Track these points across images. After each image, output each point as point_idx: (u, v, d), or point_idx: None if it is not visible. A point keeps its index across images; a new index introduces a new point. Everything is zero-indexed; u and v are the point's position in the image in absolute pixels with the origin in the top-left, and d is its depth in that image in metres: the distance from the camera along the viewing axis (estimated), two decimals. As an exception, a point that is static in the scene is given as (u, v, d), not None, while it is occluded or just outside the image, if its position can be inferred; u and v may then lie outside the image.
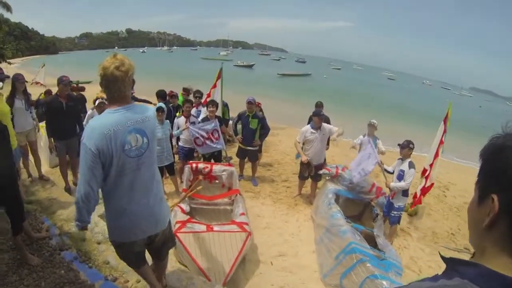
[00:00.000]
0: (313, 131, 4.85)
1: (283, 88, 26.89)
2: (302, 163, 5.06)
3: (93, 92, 7.41)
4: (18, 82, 4.42)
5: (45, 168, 5.36)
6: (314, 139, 4.86)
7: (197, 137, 5.16)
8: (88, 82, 18.77)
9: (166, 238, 2.17)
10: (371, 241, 3.62)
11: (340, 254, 3.35)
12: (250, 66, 53.30)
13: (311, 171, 5.00)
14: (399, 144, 4.36)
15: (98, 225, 3.47)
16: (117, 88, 1.68)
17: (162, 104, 4.82)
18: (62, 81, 4.40)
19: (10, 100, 4.29)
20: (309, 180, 5.31)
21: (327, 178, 4.79)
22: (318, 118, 4.85)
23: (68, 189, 4.75)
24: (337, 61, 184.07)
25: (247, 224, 3.62)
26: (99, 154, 1.62)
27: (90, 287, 2.65)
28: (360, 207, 4.74)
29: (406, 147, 4.22)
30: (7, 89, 4.29)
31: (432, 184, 4.90)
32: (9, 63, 27.64)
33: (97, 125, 1.66)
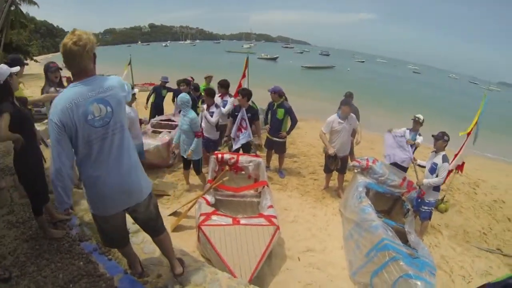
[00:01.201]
0: (341, 121, 4.87)
1: (306, 80, 27.66)
2: (328, 156, 5.04)
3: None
4: (49, 72, 4.28)
5: None
6: (341, 129, 4.88)
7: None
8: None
9: (151, 216, 2.23)
10: (402, 237, 3.57)
11: (371, 251, 3.31)
12: (274, 59, 55.24)
13: (337, 164, 5.01)
14: (433, 135, 4.36)
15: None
16: (76, 63, 1.75)
17: (184, 95, 4.77)
18: (50, 68, 4.26)
19: (44, 92, 4.22)
20: (336, 172, 5.33)
21: (356, 171, 4.77)
22: (347, 107, 4.85)
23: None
24: (360, 54, 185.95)
25: (275, 217, 3.54)
26: (64, 127, 1.73)
27: (108, 280, 2.60)
28: (390, 201, 4.71)
29: (441, 139, 4.21)
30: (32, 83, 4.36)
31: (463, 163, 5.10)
32: (35, 61, 29.34)
33: (59, 100, 1.76)
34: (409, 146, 4.74)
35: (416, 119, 5.11)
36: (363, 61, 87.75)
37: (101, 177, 1.89)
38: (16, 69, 3.00)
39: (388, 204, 4.74)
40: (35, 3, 24.53)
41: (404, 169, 4.90)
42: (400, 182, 4.46)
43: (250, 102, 5.41)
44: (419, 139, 5.05)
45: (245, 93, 5.38)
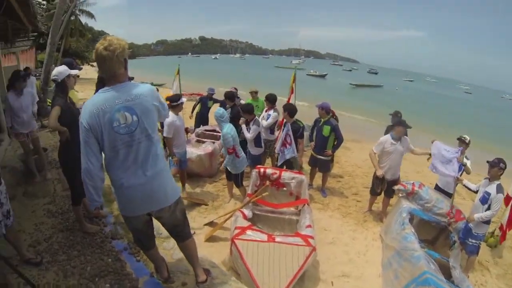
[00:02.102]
0: (393, 142, 4.82)
1: (355, 98, 27.89)
2: (376, 177, 4.99)
3: (164, 95, 8.15)
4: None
5: None
6: (393, 151, 4.83)
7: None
8: (161, 85, 21.51)
9: (176, 221, 2.32)
10: (446, 272, 3.42)
11: (411, 283, 3.20)
12: (323, 76, 56.69)
13: (384, 187, 4.96)
14: (488, 162, 4.15)
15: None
16: (107, 67, 1.87)
17: (218, 109, 4.90)
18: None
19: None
20: (381, 195, 5.24)
21: (400, 195, 4.61)
22: (402, 127, 4.79)
23: None
24: (408, 72, 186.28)
25: (312, 238, 3.49)
26: (91, 130, 1.87)
27: (133, 281, 2.68)
28: (436, 231, 4.53)
29: (496, 166, 4.00)
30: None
31: None
32: (92, 65, 32.86)
33: (88, 104, 1.91)
34: (457, 164, 4.42)
35: (462, 138, 4.88)
36: (411, 80, 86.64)
37: (125, 181, 2.00)
38: (75, 71, 3.35)
39: (433, 233, 4.55)
40: (92, 16, 27.56)
41: (449, 195, 4.62)
42: (447, 211, 4.26)
43: (294, 118, 5.45)
44: (468, 164, 4.76)
45: (287, 108, 5.44)
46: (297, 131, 5.39)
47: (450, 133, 13.49)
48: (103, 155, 2.00)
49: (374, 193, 5.20)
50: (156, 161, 2.06)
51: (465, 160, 4.75)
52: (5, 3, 4.26)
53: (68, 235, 3.25)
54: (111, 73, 1.89)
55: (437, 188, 4.85)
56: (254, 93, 7.16)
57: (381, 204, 5.36)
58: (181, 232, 2.42)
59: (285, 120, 5.57)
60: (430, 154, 4.71)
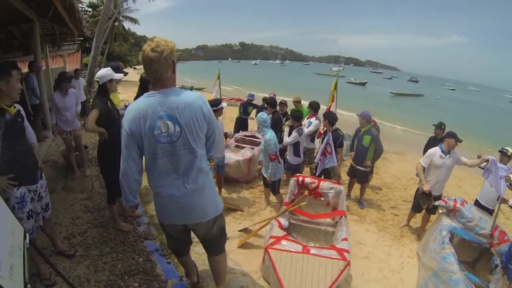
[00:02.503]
0: (443, 155, 4.62)
1: (395, 108, 27.17)
2: (422, 193, 4.75)
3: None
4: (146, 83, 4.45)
5: None
6: (441, 164, 4.62)
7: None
8: (201, 89, 22.17)
9: (211, 236, 2.26)
10: None
11: None
12: (363, 84, 56.47)
13: (430, 204, 4.71)
14: None
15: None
16: (153, 70, 1.80)
17: (262, 114, 4.88)
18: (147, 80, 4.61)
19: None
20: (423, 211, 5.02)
21: (440, 211, 4.45)
22: (453, 140, 4.53)
23: None
24: (450, 80, 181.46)
25: (348, 252, 3.39)
26: (132, 135, 1.86)
27: (162, 283, 2.71)
28: (477, 252, 4.28)
29: None
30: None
31: None
32: (134, 68, 34.96)
33: (131, 109, 1.89)
34: (504, 183, 4.17)
35: (504, 151, 4.67)
36: (453, 89, 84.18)
37: (163, 190, 1.98)
38: (119, 76, 3.42)
39: (474, 255, 4.31)
40: (135, 21, 28.97)
41: (490, 212, 4.37)
42: (491, 231, 3.99)
43: (334, 127, 5.38)
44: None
45: (327, 116, 5.38)
46: (337, 140, 5.35)
47: (493, 144, 12.74)
48: (144, 158, 2.00)
49: (416, 209, 5.00)
50: (199, 175, 1.99)
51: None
52: (53, 9, 4.55)
53: (102, 232, 3.36)
54: (158, 76, 1.83)
55: (477, 204, 4.60)
56: (297, 102, 7.13)
57: (419, 219, 5.18)
58: (214, 247, 2.38)
59: (325, 129, 5.51)
60: (487, 161, 4.39)
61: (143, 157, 1.98)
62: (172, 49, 1.82)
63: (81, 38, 10.09)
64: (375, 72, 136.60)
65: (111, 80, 3.24)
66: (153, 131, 1.83)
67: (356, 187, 6.01)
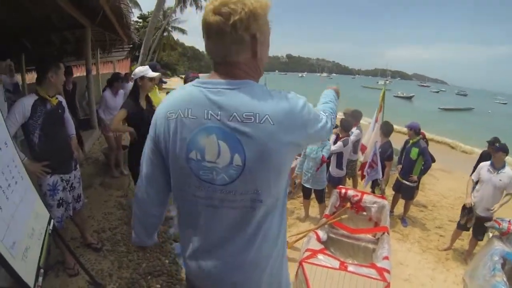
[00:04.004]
0: (491, 170, 4.35)
1: (444, 123, 25.86)
2: (463, 207, 4.62)
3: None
4: (188, 80, 4.36)
5: None
6: (487, 180, 4.34)
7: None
8: None
9: None
10: None
11: None
12: (409, 98, 55.61)
13: (470, 220, 4.51)
14: None
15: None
16: (212, 45, 1.00)
17: None
18: (189, 78, 4.57)
19: None
20: (469, 233, 4.74)
21: (491, 234, 4.17)
22: (502, 153, 4.24)
23: None
24: (502, 94, 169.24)
25: (388, 272, 3.21)
26: (157, 141, 1.09)
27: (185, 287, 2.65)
28: None
29: None
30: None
31: None
32: (181, 77, 36.87)
33: (166, 101, 1.10)
34: None
35: None
36: (505, 103, 79.67)
37: (191, 249, 1.14)
38: (153, 74, 3.36)
39: None
40: (184, 31, 30.36)
41: None
42: None
43: (387, 138, 5.33)
44: None
45: (382, 127, 5.35)
46: (386, 151, 5.24)
47: None
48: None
49: (460, 226, 4.72)
50: (263, 245, 1.08)
51: None
52: (102, 13, 4.80)
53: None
54: (221, 57, 1.01)
55: None
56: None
57: (467, 241, 4.87)
58: None
59: (375, 140, 5.44)
60: None
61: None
62: (253, 11, 0.95)
63: (130, 46, 10.65)
64: (422, 85, 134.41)
65: (142, 78, 3.19)
66: (189, 153, 1.00)
67: (400, 203, 5.79)
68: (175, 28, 29.29)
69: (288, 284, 1.29)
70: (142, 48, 9.77)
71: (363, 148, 5.93)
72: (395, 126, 5.71)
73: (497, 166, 4.29)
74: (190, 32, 31.04)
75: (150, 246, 1.44)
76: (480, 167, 4.49)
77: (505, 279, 3.41)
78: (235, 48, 0.98)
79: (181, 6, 23.84)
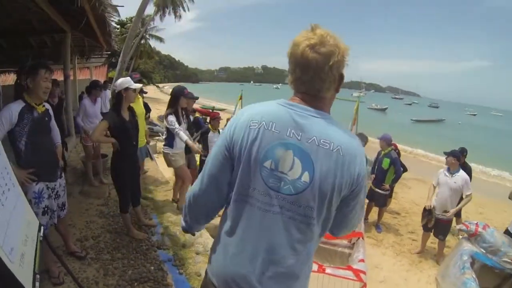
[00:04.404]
0: (446, 174, 4.81)
1: (416, 134, 27.62)
2: (423, 209, 5.01)
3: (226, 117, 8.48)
4: (182, 96, 4.19)
5: (168, 175, 6.26)
6: (444, 183, 4.77)
7: None
8: (222, 110, 22.69)
9: None
10: None
11: None
12: (383, 110, 57.96)
13: (430, 221, 4.87)
14: None
15: (202, 236, 3.65)
16: (309, 79, 1.11)
17: None
18: (186, 94, 4.36)
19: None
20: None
21: (460, 236, 4.51)
22: (452, 158, 4.69)
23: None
24: (473, 106, 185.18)
25: (364, 273, 3.40)
26: (232, 145, 1.17)
27: (172, 292, 2.65)
28: (499, 278, 4.22)
29: None
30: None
31: None
32: (157, 86, 36.23)
33: (249, 111, 1.20)
34: None
35: None
36: (475, 114, 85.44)
37: (237, 255, 1.19)
38: (137, 85, 3.40)
39: (496, 281, 4.23)
40: (161, 40, 30.26)
41: None
42: None
43: None
44: None
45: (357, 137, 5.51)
46: None
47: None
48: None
49: (425, 228, 5.07)
50: (301, 264, 1.18)
51: None
52: (85, 20, 4.77)
53: (115, 237, 3.36)
54: (314, 91, 1.13)
55: (508, 233, 4.48)
56: None
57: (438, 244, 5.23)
58: None
59: None
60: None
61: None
62: (345, 54, 1.10)
63: (108, 52, 10.50)
64: (396, 98, 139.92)
65: (126, 89, 3.21)
66: (264, 161, 1.12)
67: (374, 211, 6.06)
68: (152, 36, 29.09)
69: None
70: (121, 55, 9.66)
71: None
72: (369, 138, 5.95)
73: (452, 170, 4.72)
74: (167, 41, 31.18)
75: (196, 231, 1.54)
76: (439, 172, 4.89)
77: (474, 276, 3.64)
78: (327, 85, 1.12)
79: (160, 15, 23.71)
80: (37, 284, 1.57)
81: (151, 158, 6.70)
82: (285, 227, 1.13)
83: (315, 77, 1.10)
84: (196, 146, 4.25)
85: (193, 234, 1.58)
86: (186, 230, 1.49)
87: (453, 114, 73.54)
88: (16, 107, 2.25)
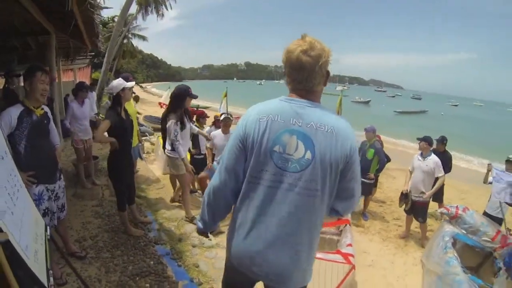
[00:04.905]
0: (420, 158, 5.08)
1: (399, 125, 28.20)
2: (401, 193, 5.27)
3: (213, 115, 8.53)
4: (189, 96, 4.18)
5: (158, 173, 6.41)
6: (417, 167, 5.05)
7: None
8: (206, 108, 22.55)
9: None
10: None
11: None
12: (367, 103, 58.85)
13: (407, 204, 5.14)
14: None
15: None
16: (302, 78, 1.39)
17: None
18: (191, 94, 4.28)
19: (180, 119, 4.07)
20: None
21: (443, 219, 4.66)
22: (424, 143, 4.99)
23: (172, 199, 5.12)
24: (455, 97, 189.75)
25: (352, 256, 3.56)
26: (245, 138, 1.42)
27: (173, 283, 2.76)
28: (480, 257, 4.43)
29: None
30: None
31: None
32: (141, 86, 35.61)
33: (253, 110, 1.47)
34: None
35: (511, 160, 5.01)
36: (456, 105, 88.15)
37: (250, 229, 1.44)
38: (131, 84, 3.56)
39: (477, 260, 4.45)
40: (144, 38, 29.85)
41: (499, 221, 4.56)
42: (493, 236, 4.15)
43: None
44: None
45: None
46: None
47: (490, 157, 13.32)
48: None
49: (406, 212, 5.32)
50: (308, 233, 1.43)
51: None
52: (74, 22, 4.75)
53: (113, 236, 3.43)
54: (307, 88, 1.41)
55: (486, 214, 4.80)
56: None
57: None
58: None
59: None
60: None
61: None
62: (329, 55, 1.40)
63: (93, 53, 10.38)
64: (379, 90, 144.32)
65: (123, 89, 3.35)
66: (273, 146, 1.37)
67: (361, 200, 6.14)
68: (135, 35, 28.65)
69: (311, 274, 1.56)
70: (105, 56, 9.57)
71: None
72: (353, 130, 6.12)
73: (424, 154, 5.00)
74: (150, 40, 30.69)
75: (213, 231, 1.77)
76: (413, 158, 5.17)
77: (456, 254, 3.79)
78: (318, 80, 1.41)
79: (142, 13, 23.37)
80: (51, 279, 1.64)
81: (141, 158, 6.74)
82: (293, 201, 1.37)
83: (309, 76, 1.38)
84: (190, 167, 4.20)
85: (207, 237, 1.83)
86: (202, 231, 1.68)
87: (435, 105, 74.49)
88: (15, 111, 2.30)
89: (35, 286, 1.44)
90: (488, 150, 18.62)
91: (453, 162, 6.28)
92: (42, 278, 1.51)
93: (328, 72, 1.44)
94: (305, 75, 1.38)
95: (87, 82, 14.12)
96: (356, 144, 1.44)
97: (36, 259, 1.55)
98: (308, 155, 1.35)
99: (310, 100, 1.42)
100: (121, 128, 3.29)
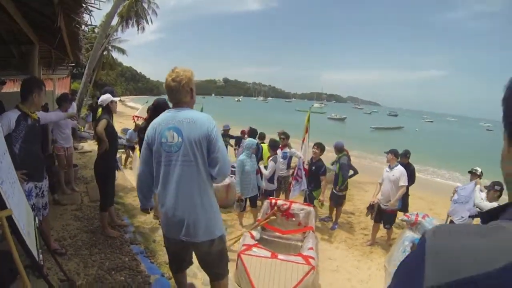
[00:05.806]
0: (388, 169, 5.34)
1: (375, 141, 28.60)
2: (369, 203, 5.52)
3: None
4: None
5: (134, 183, 6.47)
6: (385, 178, 5.31)
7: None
8: None
9: (209, 260, 2.29)
10: None
11: None
12: (343, 119, 59.72)
13: (373, 214, 5.43)
14: (485, 187, 4.65)
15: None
16: (174, 96, 2.14)
17: (253, 141, 5.47)
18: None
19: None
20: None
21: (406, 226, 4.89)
22: (390, 155, 5.30)
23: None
24: (429, 113, 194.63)
25: (313, 258, 3.76)
26: (148, 140, 2.15)
27: (146, 277, 3.00)
28: None
29: (491, 189, 4.50)
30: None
31: None
32: (120, 100, 35.15)
33: (154, 122, 2.19)
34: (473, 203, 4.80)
35: (474, 171, 5.30)
36: (431, 121, 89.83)
37: (163, 198, 2.13)
38: (117, 98, 4.02)
39: None
40: (124, 51, 29.79)
41: None
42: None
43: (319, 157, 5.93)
44: (481, 196, 4.91)
45: (318, 145, 5.97)
46: (321, 167, 5.82)
47: (462, 169, 13.99)
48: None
49: (374, 219, 5.54)
50: (199, 192, 2.09)
51: (478, 193, 5.00)
52: (59, 36, 4.98)
53: (91, 236, 3.64)
54: (177, 100, 2.15)
55: (452, 223, 4.98)
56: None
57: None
58: (212, 272, 2.38)
59: (300, 157, 6.15)
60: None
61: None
62: (190, 78, 2.12)
63: (73, 64, 10.47)
64: (356, 107, 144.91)
65: (111, 102, 3.80)
66: (161, 139, 2.07)
67: (333, 212, 6.46)
68: (115, 47, 28.57)
69: (221, 227, 2.27)
70: (86, 68, 9.71)
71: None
72: (327, 147, 6.37)
73: (391, 166, 5.26)
74: (129, 53, 30.59)
75: (150, 208, 2.50)
76: (383, 170, 5.42)
77: None
78: (184, 95, 2.13)
79: (122, 26, 23.43)
80: (41, 256, 1.91)
81: (119, 168, 6.91)
82: (181, 170, 2.05)
83: (177, 93, 2.12)
84: None
85: (149, 213, 2.60)
86: (143, 208, 2.45)
87: (411, 121, 75.83)
88: (13, 115, 2.59)
89: (27, 258, 1.72)
90: (459, 164, 19.30)
91: (424, 175, 6.51)
92: (34, 253, 1.78)
93: (191, 89, 2.15)
94: (174, 93, 2.12)
95: (67, 91, 14.10)
96: (213, 125, 2.11)
97: (29, 238, 1.82)
98: (179, 139, 2.04)
99: (180, 107, 2.14)
100: (112, 133, 3.72)
